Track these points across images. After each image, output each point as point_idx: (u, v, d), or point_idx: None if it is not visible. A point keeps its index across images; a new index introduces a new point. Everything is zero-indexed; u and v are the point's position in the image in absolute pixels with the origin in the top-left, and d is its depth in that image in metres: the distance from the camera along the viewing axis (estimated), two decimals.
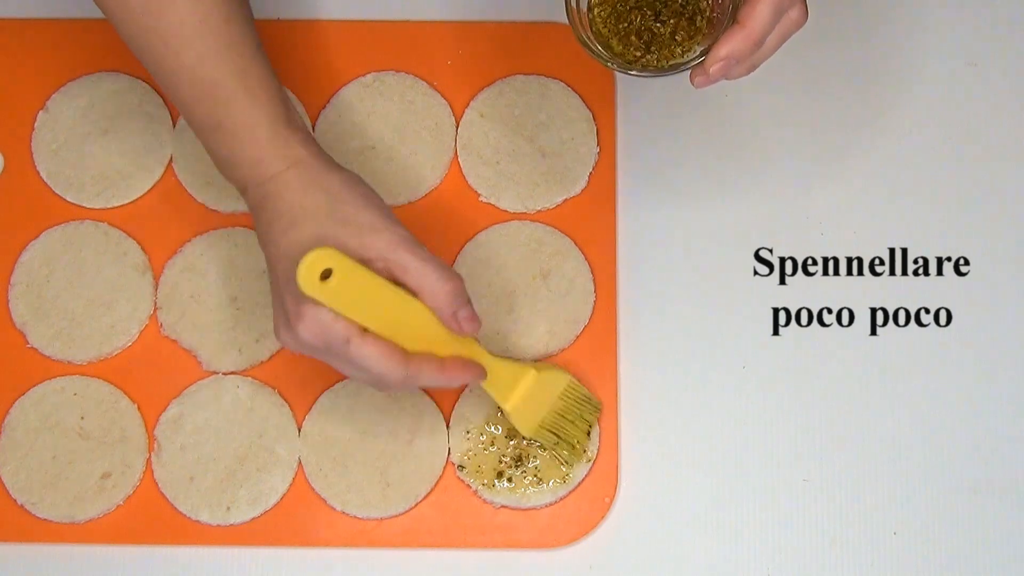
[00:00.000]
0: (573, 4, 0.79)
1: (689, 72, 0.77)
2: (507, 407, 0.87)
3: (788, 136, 0.96)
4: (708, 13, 0.81)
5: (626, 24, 0.82)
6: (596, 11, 0.82)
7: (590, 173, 0.95)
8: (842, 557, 0.90)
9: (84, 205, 0.95)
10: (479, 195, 0.95)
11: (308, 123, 0.94)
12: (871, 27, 0.98)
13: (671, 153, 0.96)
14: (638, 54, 0.81)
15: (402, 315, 0.77)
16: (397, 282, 0.77)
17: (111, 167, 0.96)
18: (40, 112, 0.96)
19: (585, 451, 0.90)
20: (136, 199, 0.95)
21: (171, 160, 0.96)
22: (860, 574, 0.90)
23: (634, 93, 0.97)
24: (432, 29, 0.97)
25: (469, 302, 0.80)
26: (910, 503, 0.91)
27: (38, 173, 0.96)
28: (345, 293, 0.75)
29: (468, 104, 0.96)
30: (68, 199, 0.95)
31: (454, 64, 0.97)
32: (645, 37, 0.81)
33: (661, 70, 0.80)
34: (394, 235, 0.77)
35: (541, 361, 0.92)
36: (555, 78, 0.96)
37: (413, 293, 0.77)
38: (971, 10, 0.98)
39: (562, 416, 0.89)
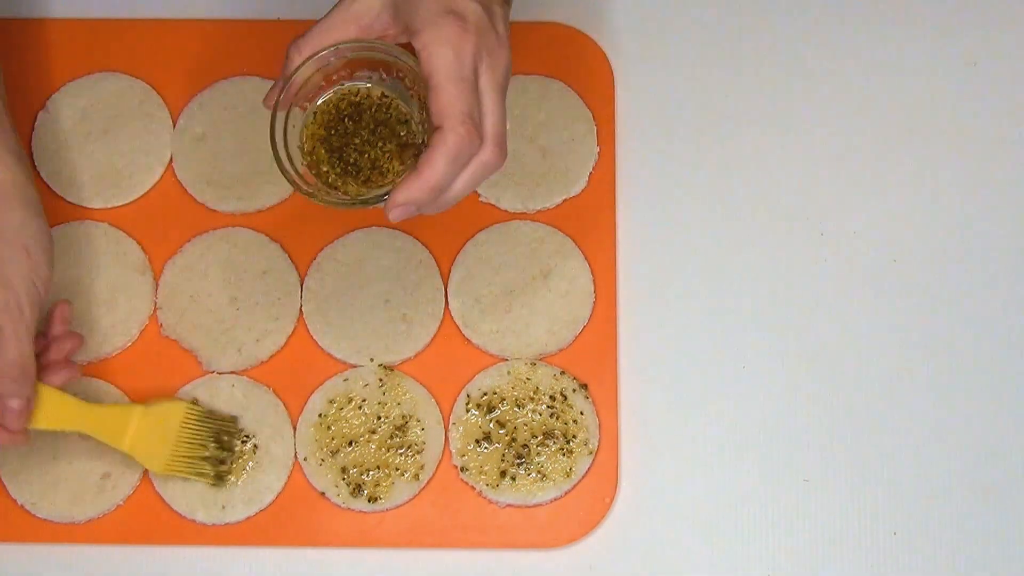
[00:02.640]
0: (280, 135, 0.76)
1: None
2: (125, 448, 0.87)
3: (787, 136, 0.96)
4: (409, 141, 0.78)
5: (337, 154, 0.78)
6: (309, 130, 0.78)
7: (590, 173, 0.95)
8: (842, 557, 0.90)
9: (84, 205, 0.95)
10: (479, 195, 0.95)
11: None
12: (871, 27, 0.98)
13: (671, 153, 0.96)
14: (340, 182, 0.78)
15: None
16: None
17: (111, 167, 0.96)
18: (40, 112, 0.96)
19: (229, 471, 0.90)
20: (136, 199, 0.95)
21: (171, 160, 0.96)
22: (860, 574, 0.90)
23: (634, 93, 0.97)
24: None
25: (29, 401, 0.81)
26: (910, 503, 0.91)
27: (38, 173, 0.96)
28: None
29: None
30: (68, 199, 0.95)
31: None
32: (354, 165, 0.78)
33: (363, 201, 0.76)
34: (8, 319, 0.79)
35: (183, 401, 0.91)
36: (555, 78, 0.96)
37: None
38: (971, 10, 0.98)
39: (189, 443, 0.89)
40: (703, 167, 0.96)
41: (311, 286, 0.93)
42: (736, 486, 0.91)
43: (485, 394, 0.92)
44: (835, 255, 0.95)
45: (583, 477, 0.91)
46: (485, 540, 0.90)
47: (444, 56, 0.72)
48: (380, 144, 0.78)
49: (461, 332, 0.93)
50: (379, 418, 0.91)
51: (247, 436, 0.91)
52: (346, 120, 0.79)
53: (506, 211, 0.94)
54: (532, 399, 0.91)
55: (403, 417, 0.91)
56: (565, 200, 0.95)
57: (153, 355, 0.93)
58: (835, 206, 0.95)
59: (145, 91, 0.97)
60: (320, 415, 0.91)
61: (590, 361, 0.92)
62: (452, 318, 0.93)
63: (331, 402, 0.91)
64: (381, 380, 0.92)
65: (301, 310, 0.93)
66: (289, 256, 0.94)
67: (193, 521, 0.90)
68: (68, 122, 0.96)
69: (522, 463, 0.90)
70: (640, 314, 0.94)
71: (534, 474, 0.90)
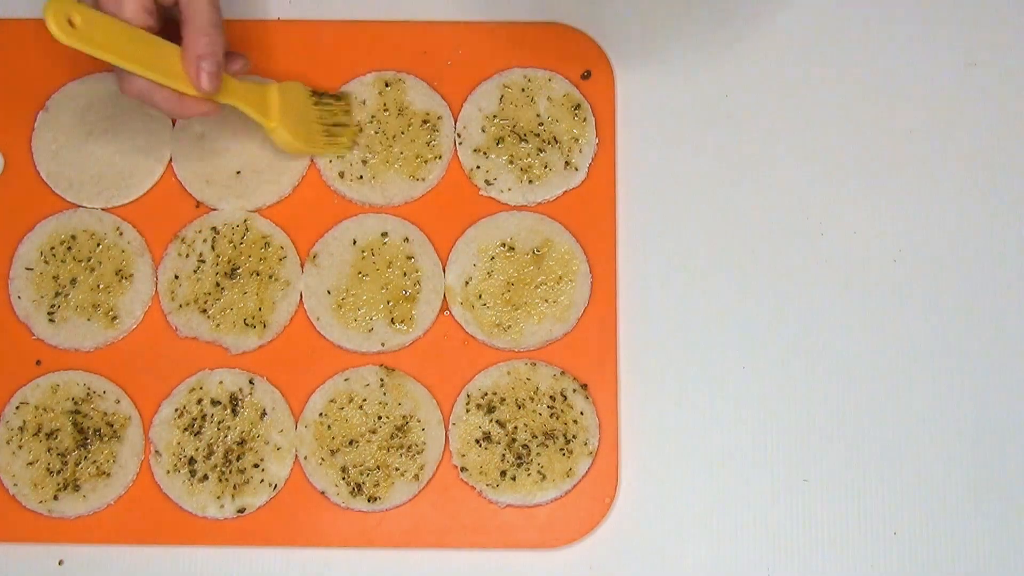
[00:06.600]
0: None
1: None
2: (273, 122, 0.91)
3: (788, 135, 0.96)
4: None
5: None
6: None
7: (589, 164, 0.95)
8: (842, 557, 0.90)
9: (84, 205, 0.95)
10: (479, 189, 0.95)
11: None
12: (870, 27, 0.98)
13: (671, 153, 0.96)
14: None
15: (152, 53, 0.83)
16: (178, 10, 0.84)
17: (111, 167, 0.96)
18: (40, 112, 0.96)
19: (354, 135, 0.95)
20: (136, 199, 0.96)
21: (171, 160, 0.96)
22: (860, 574, 0.90)
23: (634, 93, 0.97)
24: (432, 29, 0.98)
25: (220, 65, 0.85)
26: (910, 503, 0.91)
27: (38, 173, 0.96)
28: (93, 35, 0.80)
29: (466, 98, 0.96)
30: (68, 199, 0.95)
31: (454, 64, 0.97)
32: None
33: None
34: None
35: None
36: (553, 71, 0.96)
37: (182, 22, 0.84)
38: (971, 10, 0.98)
39: (319, 121, 0.93)
40: (703, 167, 0.96)
41: (310, 283, 0.93)
42: (736, 486, 0.91)
43: (485, 394, 0.92)
44: (835, 255, 0.95)
45: (583, 477, 0.91)
46: (485, 540, 0.90)
47: None
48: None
49: (461, 332, 0.93)
50: (380, 418, 0.91)
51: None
52: None
53: (507, 204, 0.94)
54: (532, 399, 0.91)
55: (403, 417, 0.91)
56: (565, 192, 0.94)
57: (153, 351, 0.93)
58: (835, 206, 0.95)
59: None
60: (321, 414, 0.91)
61: (590, 361, 0.92)
62: (452, 318, 0.93)
63: (332, 401, 0.91)
64: (382, 380, 0.92)
65: (301, 305, 0.93)
66: (288, 253, 0.94)
67: (195, 519, 0.90)
68: (68, 122, 0.96)
69: (522, 463, 0.90)
70: (640, 314, 0.94)
71: (534, 474, 0.90)
